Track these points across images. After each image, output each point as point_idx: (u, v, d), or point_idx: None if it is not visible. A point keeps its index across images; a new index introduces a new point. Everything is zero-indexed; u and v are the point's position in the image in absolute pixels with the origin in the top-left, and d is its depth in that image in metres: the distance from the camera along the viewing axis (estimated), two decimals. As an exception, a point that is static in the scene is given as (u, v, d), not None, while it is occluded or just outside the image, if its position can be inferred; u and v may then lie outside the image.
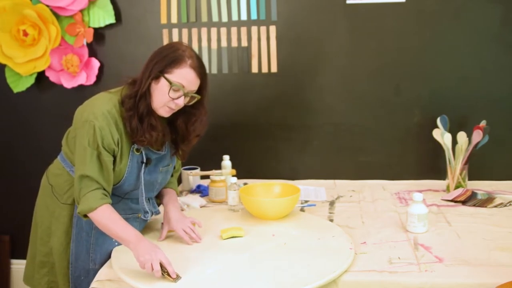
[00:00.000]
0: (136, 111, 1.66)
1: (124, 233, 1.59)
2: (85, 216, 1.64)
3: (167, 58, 1.63)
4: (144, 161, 1.72)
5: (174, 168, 1.94)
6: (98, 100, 1.69)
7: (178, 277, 1.50)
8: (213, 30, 2.56)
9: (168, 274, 1.50)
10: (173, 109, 1.68)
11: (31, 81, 2.66)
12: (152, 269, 1.49)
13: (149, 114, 1.67)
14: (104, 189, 1.65)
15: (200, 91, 1.71)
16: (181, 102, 1.67)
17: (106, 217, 1.61)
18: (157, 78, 1.64)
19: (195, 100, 1.71)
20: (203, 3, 2.54)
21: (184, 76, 1.63)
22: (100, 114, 1.62)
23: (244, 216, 2.02)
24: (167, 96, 1.64)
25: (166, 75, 1.63)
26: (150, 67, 1.65)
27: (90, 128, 1.61)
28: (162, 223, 1.84)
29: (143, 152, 1.72)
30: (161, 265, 1.50)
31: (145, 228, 1.89)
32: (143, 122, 1.66)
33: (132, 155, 1.71)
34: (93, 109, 1.64)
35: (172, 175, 1.94)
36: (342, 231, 1.85)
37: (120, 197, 1.77)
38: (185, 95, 1.66)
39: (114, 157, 1.67)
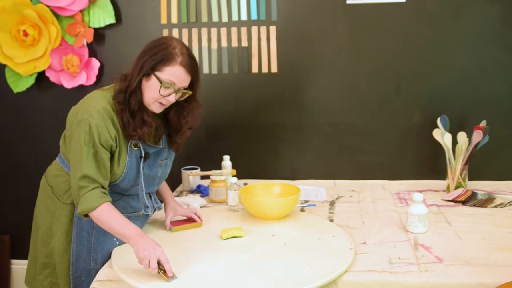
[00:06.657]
0: (127, 106, 1.66)
1: (126, 229, 1.59)
2: (86, 215, 1.64)
3: (158, 55, 1.63)
4: (143, 155, 1.73)
5: None
6: (92, 98, 1.69)
7: (173, 277, 1.50)
8: (213, 30, 2.55)
9: (164, 272, 1.49)
10: (164, 105, 1.70)
11: (31, 81, 2.66)
12: (149, 266, 1.49)
13: (141, 109, 1.68)
14: (103, 187, 1.65)
15: (191, 85, 1.72)
16: (172, 98, 1.68)
17: (106, 215, 1.61)
18: (147, 75, 1.65)
19: (187, 95, 1.72)
20: (203, 3, 2.54)
21: (175, 74, 1.64)
22: (95, 112, 1.63)
23: (244, 216, 2.02)
24: (158, 93, 1.65)
25: (157, 73, 1.63)
26: (140, 63, 1.65)
27: (86, 126, 1.61)
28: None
29: (141, 147, 1.73)
30: (159, 263, 1.51)
31: (146, 226, 1.90)
32: (135, 117, 1.67)
33: (131, 150, 1.71)
34: (88, 108, 1.64)
35: None
36: (342, 231, 1.85)
37: (120, 194, 1.78)
38: (176, 91, 1.67)
39: (112, 153, 1.67)
